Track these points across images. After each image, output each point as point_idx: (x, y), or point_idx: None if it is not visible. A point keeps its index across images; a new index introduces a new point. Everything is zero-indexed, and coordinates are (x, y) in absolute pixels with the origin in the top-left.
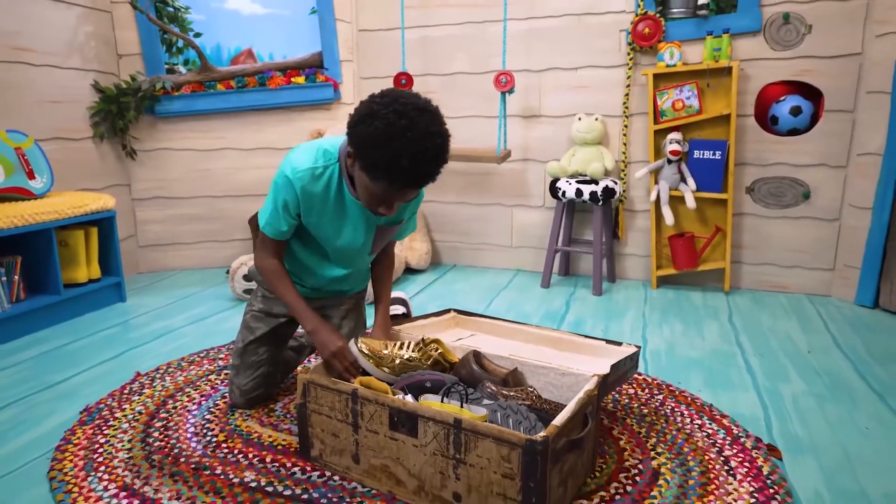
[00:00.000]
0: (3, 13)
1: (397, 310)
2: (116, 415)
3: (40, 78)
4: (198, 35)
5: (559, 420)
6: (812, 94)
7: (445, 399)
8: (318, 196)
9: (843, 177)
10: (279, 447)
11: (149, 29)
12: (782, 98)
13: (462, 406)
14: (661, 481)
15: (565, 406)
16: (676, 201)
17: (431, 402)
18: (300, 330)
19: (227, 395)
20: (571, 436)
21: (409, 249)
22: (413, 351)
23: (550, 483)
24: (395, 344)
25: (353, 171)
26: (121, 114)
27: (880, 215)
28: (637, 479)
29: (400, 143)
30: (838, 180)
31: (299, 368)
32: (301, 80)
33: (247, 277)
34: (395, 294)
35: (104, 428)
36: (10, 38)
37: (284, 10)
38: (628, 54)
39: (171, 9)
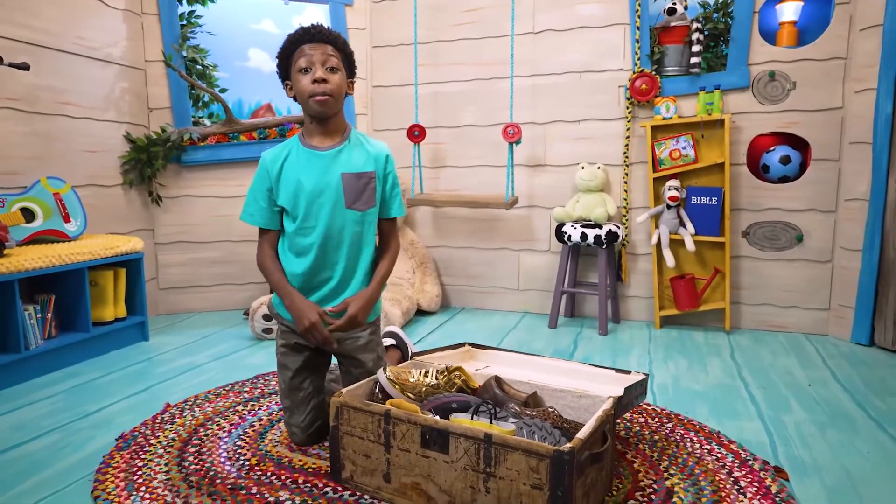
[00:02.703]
0: (52, 71)
1: (387, 341)
2: (151, 441)
3: (79, 129)
4: (223, 91)
5: (583, 433)
6: (799, 144)
7: (475, 417)
8: (283, 162)
9: (833, 221)
10: (310, 470)
11: (179, 85)
12: (772, 148)
13: (491, 423)
14: (675, 499)
15: (584, 425)
16: (676, 244)
17: (462, 420)
18: (334, 361)
19: (254, 423)
20: (593, 449)
21: (421, 292)
22: (437, 378)
23: (576, 493)
24: (420, 372)
25: (296, 97)
26: (149, 162)
27: (870, 257)
28: (652, 497)
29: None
30: (829, 224)
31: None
32: None
33: (266, 317)
34: (389, 328)
35: (140, 453)
36: (56, 94)
37: None
38: (627, 108)
39: (200, 67)
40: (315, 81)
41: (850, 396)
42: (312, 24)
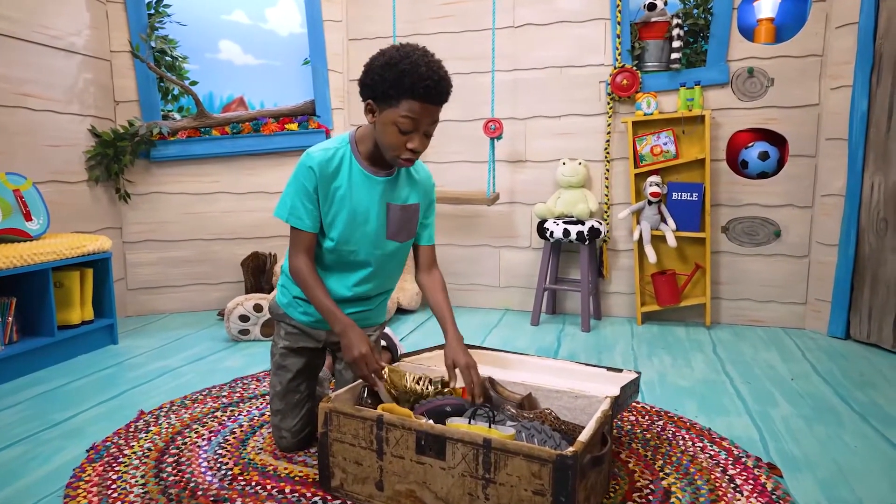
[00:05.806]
0: (10, 60)
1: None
2: (125, 452)
3: (41, 122)
4: (194, 83)
5: (584, 436)
6: (777, 140)
7: (472, 421)
8: (333, 172)
9: (809, 216)
10: (296, 478)
11: (146, 77)
12: (751, 144)
13: (490, 427)
14: (672, 499)
15: (583, 427)
16: (658, 240)
17: (459, 424)
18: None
19: (235, 430)
20: (594, 452)
21: (401, 290)
22: (428, 388)
23: (578, 498)
24: (412, 378)
25: (376, 126)
26: (116, 158)
27: (846, 251)
28: (650, 497)
29: (413, 56)
30: (805, 219)
31: None
32: (294, 126)
33: (243, 318)
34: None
35: (114, 465)
36: (15, 85)
37: (276, 60)
38: (608, 104)
39: (169, 58)
40: (410, 150)
41: (833, 390)
42: (441, 83)
